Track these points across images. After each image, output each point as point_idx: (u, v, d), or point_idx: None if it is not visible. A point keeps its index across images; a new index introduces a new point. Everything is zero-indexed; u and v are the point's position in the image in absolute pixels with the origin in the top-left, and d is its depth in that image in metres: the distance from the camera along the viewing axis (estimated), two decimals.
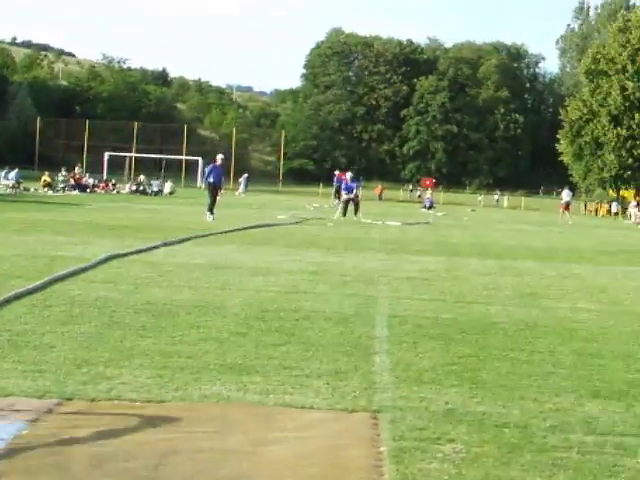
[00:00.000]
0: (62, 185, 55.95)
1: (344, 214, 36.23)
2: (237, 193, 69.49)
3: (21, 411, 5.86)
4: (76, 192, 54.28)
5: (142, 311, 9.81)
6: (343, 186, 39.18)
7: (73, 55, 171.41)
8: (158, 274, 13.22)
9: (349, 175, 39.41)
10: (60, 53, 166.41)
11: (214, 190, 29.82)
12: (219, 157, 31.33)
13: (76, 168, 64.90)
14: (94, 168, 75.57)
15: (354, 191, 37.31)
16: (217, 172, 30.42)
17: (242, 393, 6.53)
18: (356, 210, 36.46)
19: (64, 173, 58.61)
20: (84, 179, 61.00)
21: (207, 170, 30.95)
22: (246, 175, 75.77)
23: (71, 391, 6.32)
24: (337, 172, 56.26)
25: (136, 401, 6.18)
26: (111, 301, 10.37)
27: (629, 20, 77.14)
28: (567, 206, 52.53)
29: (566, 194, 53.47)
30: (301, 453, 5.33)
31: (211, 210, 29.38)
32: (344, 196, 37.75)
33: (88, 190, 57.27)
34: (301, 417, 6.01)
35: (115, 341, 8.13)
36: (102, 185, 60.87)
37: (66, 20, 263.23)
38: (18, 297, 10.18)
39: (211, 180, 29.98)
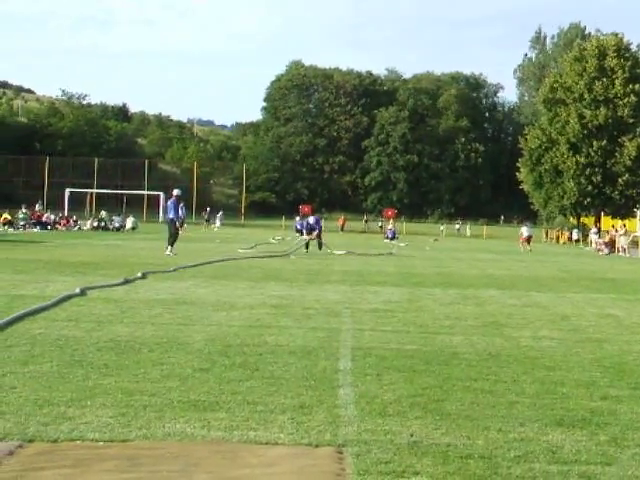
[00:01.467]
0: (23, 223, 55.65)
1: (307, 247, 36.49)
2: (214, 227, 72.75)
3: None
4: (37, 229, 54.04)
5: (104, 349, 9.73)
6: (306, 225, 39.44)
7: (32, 92, 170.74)
8: (120, 311, 13.15)
9: (312, 219, 39.25)
10: (19, 90, 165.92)
11: (172, 225, 30.03)
12: (175, 192, 31.41)
13: (36, 205, 64.60)
14: (55, 205, 75.26)
15: (316, 230, 37.53)
16: (174, 207, 30.57)
17: (206, 430, 6.46)
18: (320, 245, 36.66)
19: (24, 210, 58.29)
20: (45, 216, 60.68)
21: (167, 206, 31.65)
22: (221, 212, 79.06)
23: (32, 432, 6.22)
24: (301, 206, 56.69)
25: (99, 441, 6.10)
26: (73, 339, 10.28)
27: (585, 49, 78.14)
28: (528, 240, 52.22)
29: (526, 230, 53.17)
30: None
31: (171, 245, 29.55)
32: (306, 235, 38.13)
33: (49, 227, 57.02)
34: (266, 453, 5.96)
35: (77, 380, 8.03)
36: (63, 222, 60.57)
37: (24, 56, 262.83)
38: None
39: (170, 216, 30.24)
